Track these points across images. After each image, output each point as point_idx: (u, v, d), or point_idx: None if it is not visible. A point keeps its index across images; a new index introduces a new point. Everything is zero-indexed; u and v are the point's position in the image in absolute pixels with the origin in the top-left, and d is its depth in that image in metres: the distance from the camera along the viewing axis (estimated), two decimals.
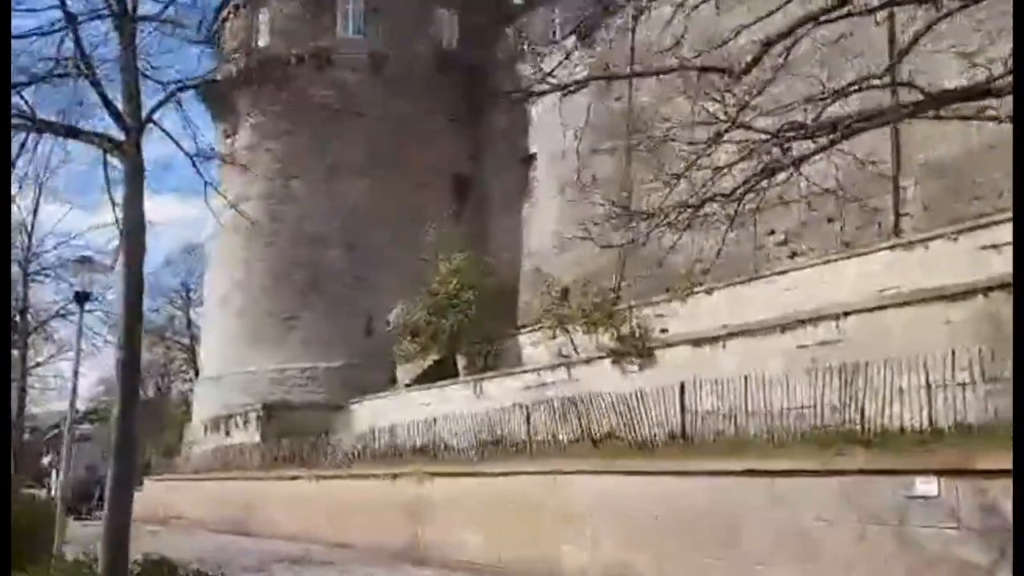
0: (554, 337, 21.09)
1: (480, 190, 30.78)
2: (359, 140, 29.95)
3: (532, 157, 29.44)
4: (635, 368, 13.83)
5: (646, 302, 18.83)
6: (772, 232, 19.31)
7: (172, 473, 28.89)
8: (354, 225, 29.49)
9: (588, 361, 15.37)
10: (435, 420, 17.12)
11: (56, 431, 67.11)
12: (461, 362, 24.18)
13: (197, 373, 51.19)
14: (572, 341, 18.99)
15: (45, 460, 58.13)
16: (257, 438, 25.48)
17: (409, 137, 30.26)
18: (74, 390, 9.96)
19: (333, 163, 29.91)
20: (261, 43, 31.02)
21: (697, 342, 12.69)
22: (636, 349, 13.76)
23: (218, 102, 32.47)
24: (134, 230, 7.27)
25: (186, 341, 52.79)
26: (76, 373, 9.94)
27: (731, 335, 12.09)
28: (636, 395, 11.56)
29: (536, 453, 12.58)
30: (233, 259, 30.80)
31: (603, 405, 12.04)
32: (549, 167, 27.86)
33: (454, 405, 18.78)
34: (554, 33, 29.14)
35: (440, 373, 24.18)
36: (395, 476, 14.83)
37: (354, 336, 28.78)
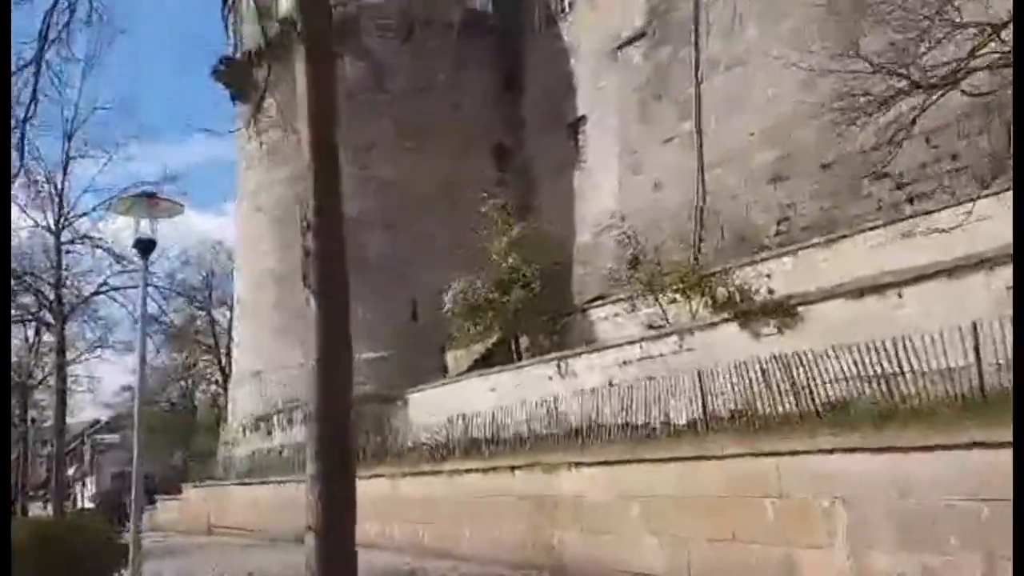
0: (633, 309, 19.12)
1: (522, 159, 28.71)
2: (390, 112, 27.96)
3: (580, 121, 27.37)
4: (771, 331, 11.83)
5: (745, 262, 16.79)
6: (878, 176, 17.18)
7: (212, 479, 27.05)
8: (391, 204, 27.51)
9: (704, 327, 13.35)
10: (523, 404, 15.18)
11: (80, 441, 65.88)
12: (524, 343, 22.23)
13: (223, 373, 49.59)
14: (663, 310, 16.99)
15: (69, 471, 56.68)
16: (303, 437, 23.59)
17: (443, 107, 28.25)
18: (142, 371, 7.83)
19: (364, 139, 27.88)
20: (281, 13, 28.90)
21: (858, 293, 10.63)
22: (777, 308, 11.74)
23: (237, 79, 30.56)
24: None
25: (210, 342, 50.97)
26: (143, 355, 7.87)
27: (909, 281, 9.99)
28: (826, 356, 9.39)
29: (715, 431, 10.38)
30: (264, 247, 28.90)
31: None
32: (602, 128, 25.78)
33: (533, 389, 16.85)
34: None
35: (499, 357, 22.24)
36: (513, 469, 12.82)
37: (399, 322, 26.88)
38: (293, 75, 28.54)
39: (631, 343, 14.86)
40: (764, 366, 10.19)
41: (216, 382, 49.89)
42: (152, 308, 48.89)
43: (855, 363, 9.16)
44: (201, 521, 24.59)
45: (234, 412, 30.51)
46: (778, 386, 9.98)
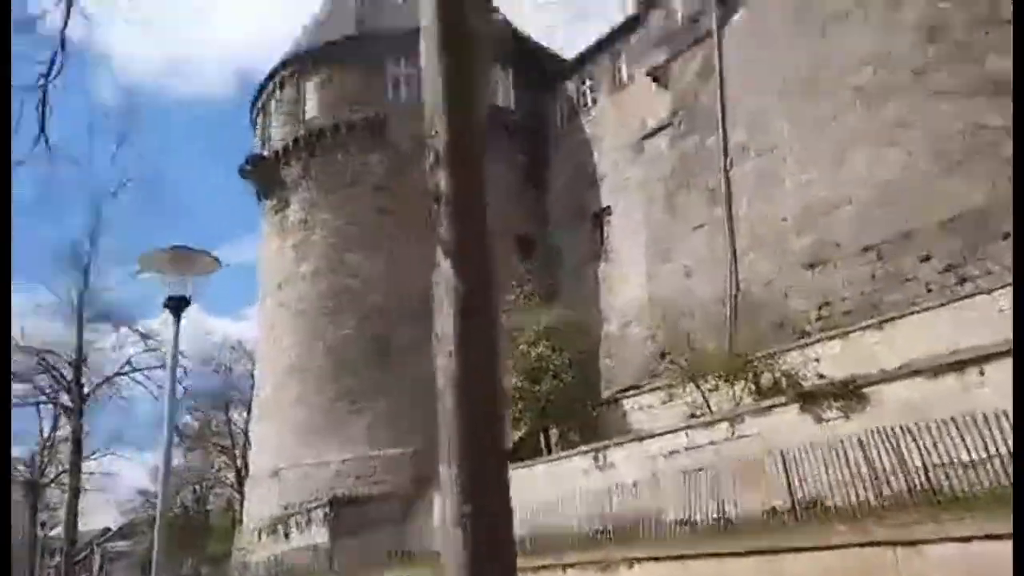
0: (669, 399, 18.36)
1: (547, 251, 28.51)
2: (417, 206, 27.95)
3: (604, 212, 27.29)
4: (836, 414, 11.06)
5: (790, 347, 16.12)
6: (927, 258, 16.67)
7: None
8: (417, 296, 27.12)
9: (758, 412, 12.58)
10: (560, 500, 14.26)
11: (90, 550, 63.75)
12: (553, 435, 21.36)
13: (239, 475, 48.34)
14: (704, 397, 16.22)
15: None
16: (323, 538, 22.48)
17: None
18: (169, 445, 7.07)
19: (390, 232, 27.85)
20: (308, 114, 29.49)
21: (935, 371, 9.89)
22: (842, 390, 10.99)
23: (265, 178, 30.93)
24: None
25: (226, 443, 49.96)
26: (171, 436, 7.21)
27: (991, 356, 9.28)
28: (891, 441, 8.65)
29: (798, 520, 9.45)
30: (287, 343, 28.44)
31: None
32: (628, 218, 25.61)
33: (570, 482, 15.93)
34: (619, 81, 27.53)
35: (526, 451, 21.35)
36: (565, 567, 11.77)
37: (424, 417, 26.00)
38: (318, 173, 28.86)
39: (675, 432, 14.04)
40: (844, 449, 9.39)
41: (231, 485, 48.60)
42: (160, 408, 48.20)
43: (971, 443, 8.34)
44: None
45: (250, 514, 29.34)
46: (884, 468, 9.14)
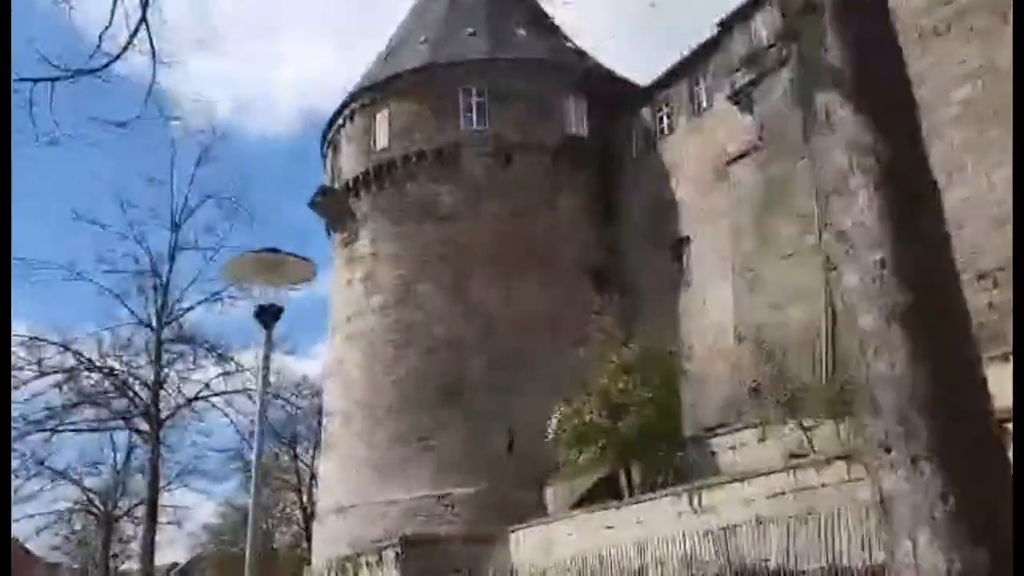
0: (763, 438, 17.10)
1: (621, 282, 27.48)
2: (488, 238, 27.42)
3: (683, 241, 26.23)
4: None
5: None
6: None
7: None
8: (488, 329, 26.45)
9: None
10: (651, 544, 13.11)
11: None
12: (635, 477, 20.15)
13: (305, 513, 47.98)
14: (807, 436, 14.93)
15: None
16: None
17: (542, 231, 27.60)
18: (258, 459, 6.34)
19: (461, 264, 27.30)
20: (379, 145, 29.33)
21: None
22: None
23: (335, 211, 30.81)
24: None
25: (292, 479, 49.71)
26: (260, 451, 6.45)
27: None
28: None
29: None
30: (354, 376, 27.95)
31: None
32: (709, 247, 24.50)
33: (659, 526, 14.77)
34: (699, 106, 26.63)
35: (605, 493, 20.19)
36: None
37: (494, 455, 25.16)
38: (388, 205, 28.32)
39: (781, 472, 12.81)
40: None
41: (297, 523, 48.24)
42: (234, 441, 48.04)
43: None
44: None
45: (317, 553, 28.72)
46: None
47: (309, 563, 29.96)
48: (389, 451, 26.22)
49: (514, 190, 27.77)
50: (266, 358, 5.84)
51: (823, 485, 11.91)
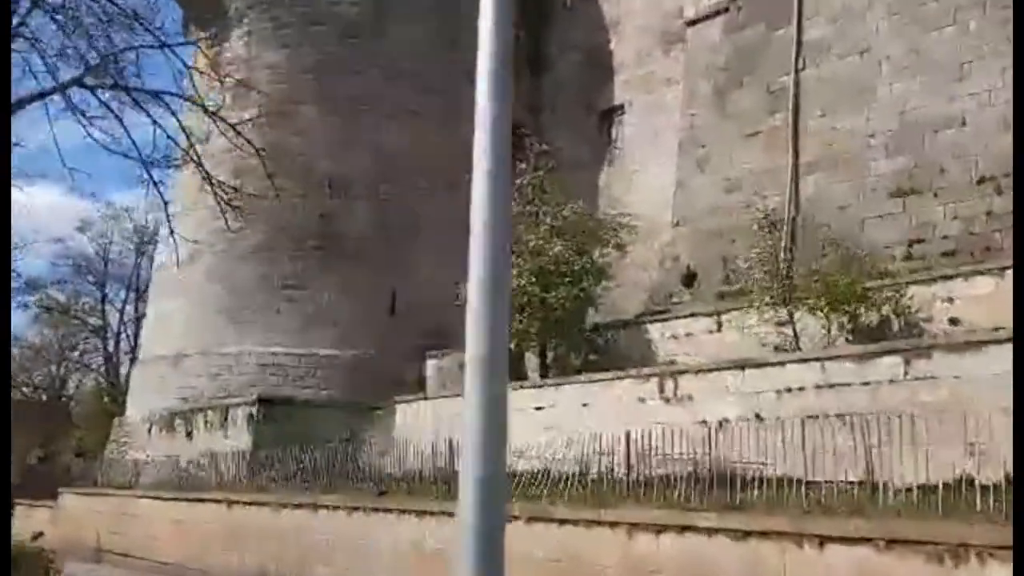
0: (717, 329, 15.06)
1: (541, 149, 24.36)
2: (390, 64, 23.20)
3: (613, 111, 23.44)
4: None
5: (908, 281, 12.99)
6: None
7: (105, 487, 20.78)
8: (383, 172, 22.59)
9: (953, 348, 9.25)
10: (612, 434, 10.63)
11: None
12: (548, 358, 17.66)
13: (109, 361, 42.30)
14: (794, 328, 12.90)
15: None
16: (244, 443, 18.08)
17: (457, 70, 23.69)
18: None
19: (357, 91, 22.99)
20: None
21: None
22: None
23: (199, 5, 25.10)
24: None
25: (96, 321, 43.56)
26: None
27: None
28: None
29: None
30: (211, 206, 23.20)
31: None
32: (649, 118, 21.87)
33: (615, 414, 12.37)
34: None
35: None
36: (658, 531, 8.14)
37: (372, 317, 21.82)
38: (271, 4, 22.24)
39: (802, 363, 10.59)
40: None
41: (98, 370, 42.55)
42: (25, 267, 41.25)
43: None
44: (84, 540, 18.48)
45: (135, 404, 24.32)
46: None
47: (122, 415, 25.48)
48: (245, 297, 22.12)
49: (426, 16, 23.55)
50: None
51: (863, 384, 9.78)
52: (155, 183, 15.28)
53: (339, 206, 22.32)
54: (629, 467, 11.08)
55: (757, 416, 10.54)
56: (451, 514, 9.75)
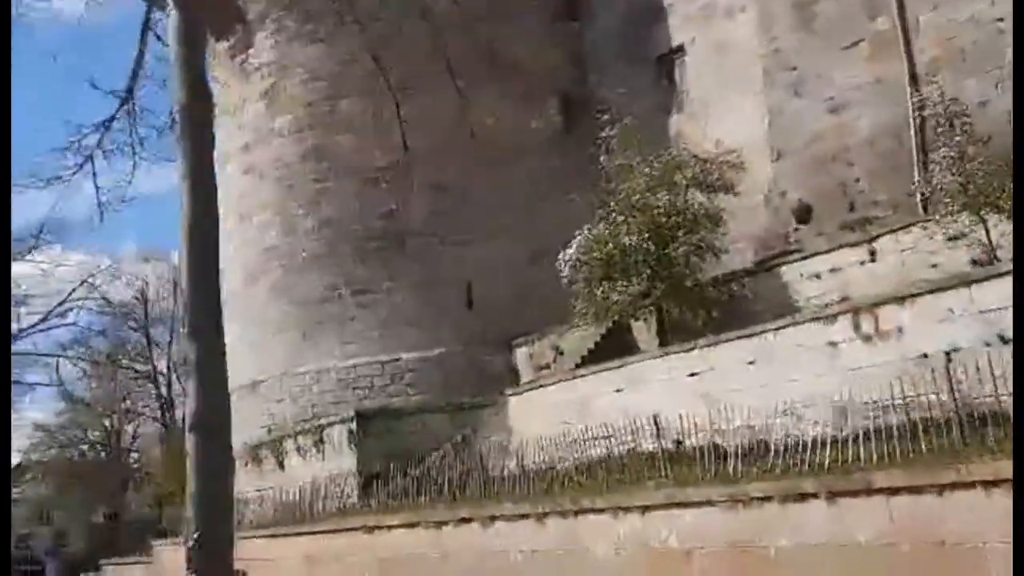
0: (870, 258, 13.30)
1: (589, 109, 22.63)
2: (429, 43, 21.48)
3: (672, 53, 21.62)
4: None
5: None
6: None
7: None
8: (437, 158, 20.93)
9: None
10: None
11: None
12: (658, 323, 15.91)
13: (164, 406, 40.95)
14: (988, 235, 11.11)
15: None
16: (347, 463, 16.52)
17: (499, 39, 22.01)
18: None
19: (398, 75, 21.28)
20: None
21: None
22: None
23: (213, 9, 23.48)
24: None
25: (144, 367, 42.27)
26: None
27: None
28: None
29: None
30: (264, 219, 21.74)
31: None
32: (715, 55, 20.06)
33: (773, 371, 10.66)
34: None
35: (609, 352, 15.83)
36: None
37: (449, 312, 20.23)
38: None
39: None
40: None
41: (155, 418, 41.25)
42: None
43: None
44: None
45: None
46: None
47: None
48: (313, 310, 20.61)
49: None
50: None
51: None
52: None
53: (397, 200, 20.72)
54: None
55: (1001, 339, 8.78)
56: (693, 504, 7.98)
